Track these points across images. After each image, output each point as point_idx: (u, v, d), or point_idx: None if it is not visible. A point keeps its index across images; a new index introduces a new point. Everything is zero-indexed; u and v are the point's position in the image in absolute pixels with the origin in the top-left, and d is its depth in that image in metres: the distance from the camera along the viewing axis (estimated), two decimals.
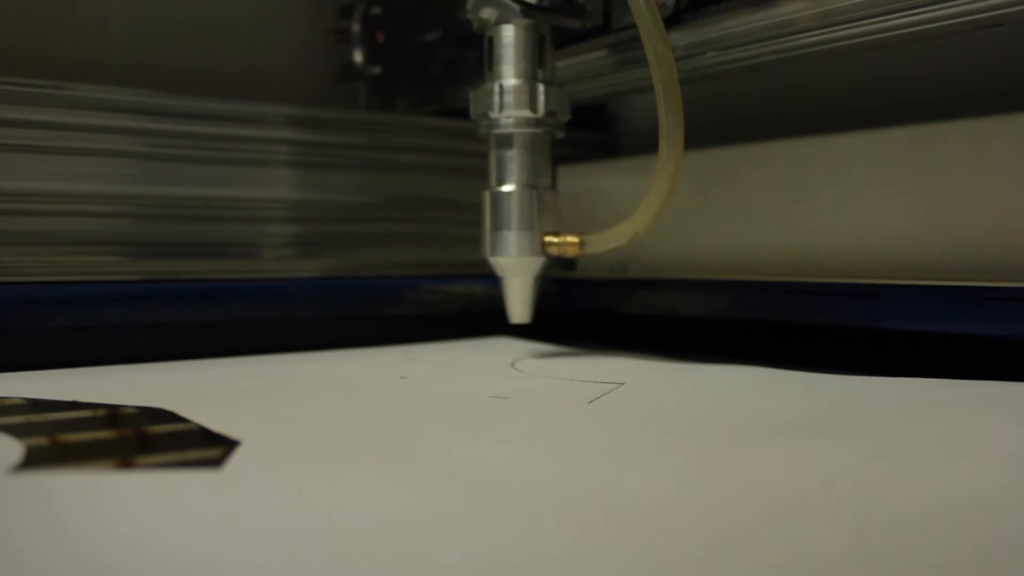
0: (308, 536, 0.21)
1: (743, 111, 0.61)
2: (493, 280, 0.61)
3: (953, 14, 0.41)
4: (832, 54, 0.46)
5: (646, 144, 0.65)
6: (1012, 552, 0.20)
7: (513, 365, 0.48)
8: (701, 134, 0.61)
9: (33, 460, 0.28)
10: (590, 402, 0.37)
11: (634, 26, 0.45)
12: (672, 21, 0.48)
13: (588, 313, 0.61)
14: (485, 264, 0.59)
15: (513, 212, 0.49)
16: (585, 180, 0.64)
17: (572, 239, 0.49)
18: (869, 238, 0.49)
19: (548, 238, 0.49)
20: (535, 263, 0.49)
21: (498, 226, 0.49)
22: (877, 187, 0.49)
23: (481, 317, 0.61)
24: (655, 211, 0.46)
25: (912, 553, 0.20)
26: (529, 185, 0.49)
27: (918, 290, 0.44)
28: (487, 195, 0.50)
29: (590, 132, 0.69)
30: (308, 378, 0.45)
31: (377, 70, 0.62)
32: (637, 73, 0.51)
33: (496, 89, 0.48)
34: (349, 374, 0.46)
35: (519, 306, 0.50)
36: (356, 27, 0.62)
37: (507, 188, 0.49)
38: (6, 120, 0.48)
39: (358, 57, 0.62)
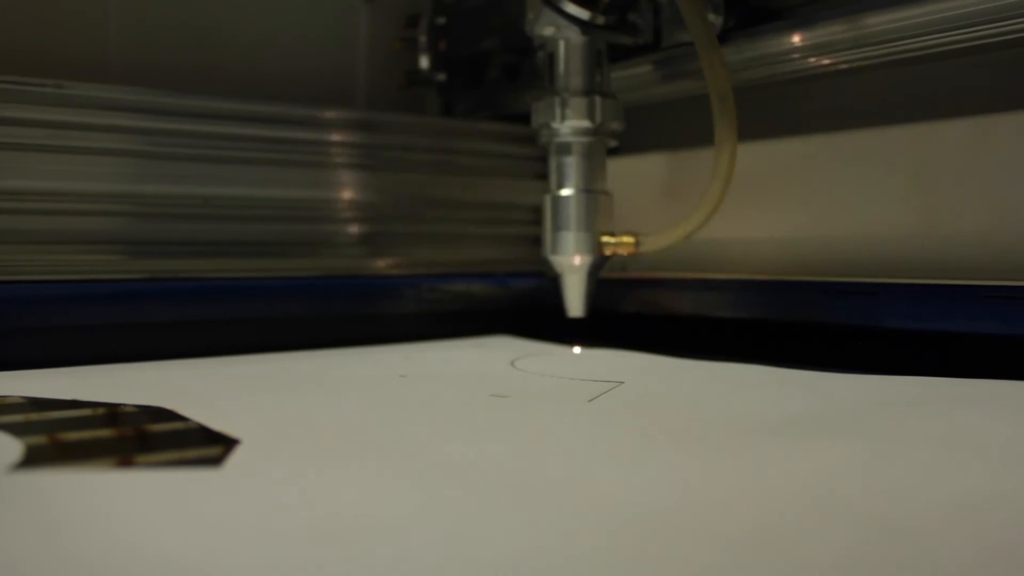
0: (308, 535, 0.21)
1: (743, 111, 0.61)
2: (493, 279, 0.61)
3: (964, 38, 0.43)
4: (864, 70, 0.49)
5: (647, 143, 0.65)
6: (1012, 552, 0.20)
7: (513, 364, 0.48)
8: (701, 134, 0.61)
9: (33, 459, 0.28)
10: (589, 401, 0.37)
11: (681, 44, 0.51)
12: (720, 39, 0.51)
13: (588, 312, 0.61)
14: (485, 264, 0.59)
15: (572, 214, 0.53)
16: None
17: (627, 239, 0.53)
18: (869, 237, 0.49)
19: (605, 238, 0.53)
20: (592, 261, 0.54)
21: (558, 227, 0.54)
22: (877, 186, 0.49)
23: (481, 316, 0.61)
24: (708, 214, 0.49)
25: (912, 553, 0.20)
26: (586, 189, 0.53)
27: (918, 289, 0.44)
28: (548, 198, 0.54)
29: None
30: (308, 377, 0.45)
31: (442, 76, 0.66)
32: (684, 85, 0.54)
33: (557, 101, 0.53)
34: (349, 373, 0.46)
35: (576, 301, 0.54)
36: (423, 37, 0.66)
37: (566, 192, 0.54)
38: (6, 119, 0.48)
39: (424, 64, 0.66)
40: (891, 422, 0.33)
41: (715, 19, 0.52)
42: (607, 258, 0.54)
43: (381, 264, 0.61)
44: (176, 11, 0.61)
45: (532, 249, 0.65)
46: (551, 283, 0.63)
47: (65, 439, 0.30)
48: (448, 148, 0.63)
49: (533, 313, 0.62)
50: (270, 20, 0.65)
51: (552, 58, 0.54)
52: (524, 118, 0.57)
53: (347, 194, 0.60)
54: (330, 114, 0.59)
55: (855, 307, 0.46)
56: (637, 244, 0.53)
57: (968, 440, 0.30)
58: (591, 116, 0.52)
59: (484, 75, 0.60)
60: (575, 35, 0.53)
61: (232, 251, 0.55)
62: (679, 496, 0.24)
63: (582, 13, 0.52)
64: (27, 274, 0.48)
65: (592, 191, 0.53)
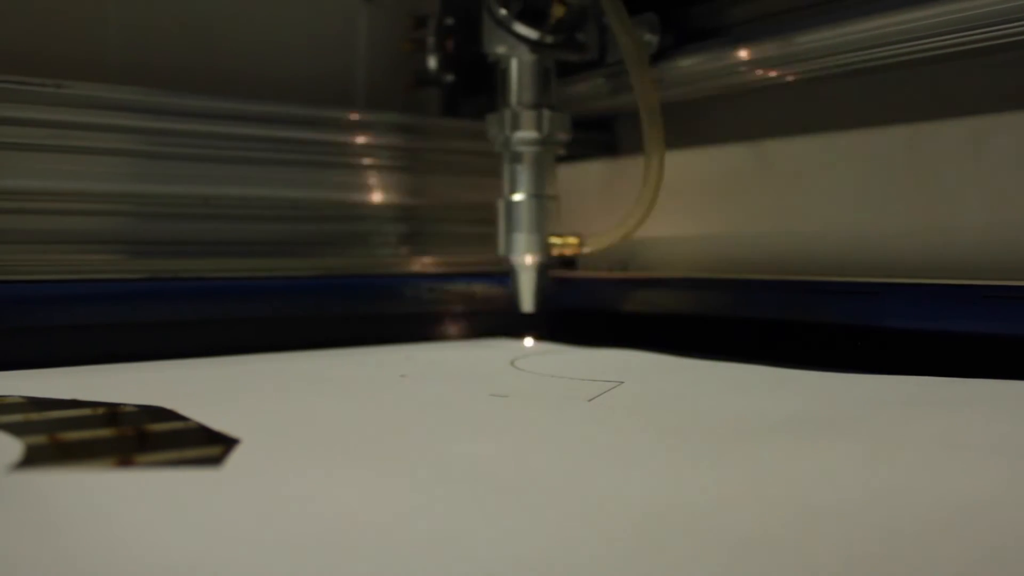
0: (308, 536, 0.21)
1: (742, 110, 0.61)
2: (493, 279, 0.62)
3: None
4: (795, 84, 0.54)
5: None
6: (1012, 552, 0.20)
7: (513, 363, 0.48)
8: (701, 133, 0.61)
9: (33, 458, 0.28)
10: (589, 400, 0.37)
11: (622, 61, 0.54)
12: (657, 56, 0.57)
13: (588, 312, 0.61)
14: (484, 263, 0.60)
15: (523, 217, 0.58)
16: (585, 178, 0.64)
17: (572, 240, 0.59)
18: (869, 236, 0.49)
19: (552, 239, 0.59)
20: (542, 260, 0.58)
21: (511, 229, 0.58)
22: (877, 186, 0.49)
23: (481, 316, 0.61)
24: (642, 217, 0.55)
25: (912, 553, 0.20)
26: (536, 195, 0.58)
27: (918, 288, 0.44)
28: (501, 203, 0.59)
29: (590, 132, 0.69)
30: (308, 377, 0.45)
31: (450, 77, 0.68)
32: (628, 98, 0.57)
33: (508, 115, 0.58)
34: (349, 373, 0.46)
35: (528, 297, 0.59)
36: (431, 37, 0.67)
37: (518, 197, 0.58)
38: (6, 119, 0.48)
39: (432, 64, 0.67)
40: (891, 422, 0.33)
41: (651, 38, 0.57)
42: (556, 257, 0.59)
43: (381, 264, 0.61)
44: (176, 12, 0.61)
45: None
46: (551, 283, 0.63)
47: (65, 439, 0.30)
48: (448, 148, 0.63)
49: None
50: (270, 21, 0.65)
51: (505, 74, 0.58)
52: None
53: (347, 194, 0.60)
54: (330, 114, 0.59)
55: (855, 307, 0.46)
56: (581, 244, 0.58)
57: (968, 440, 0.30)
58: (539, 127, 0.57)
59: (491, 77, 0.61)
60: (525, 53, 0.57)
61: (232, 251, 0.55)
62: (679, 496, 0.24)
63: (531, 33, 0.57)
64: (27, 274, 0.48)
65: (541, 196, 0.58)
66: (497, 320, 0.61)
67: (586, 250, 0.58)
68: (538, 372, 0.45)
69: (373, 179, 0.61)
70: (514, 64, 0.58)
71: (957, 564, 0.19)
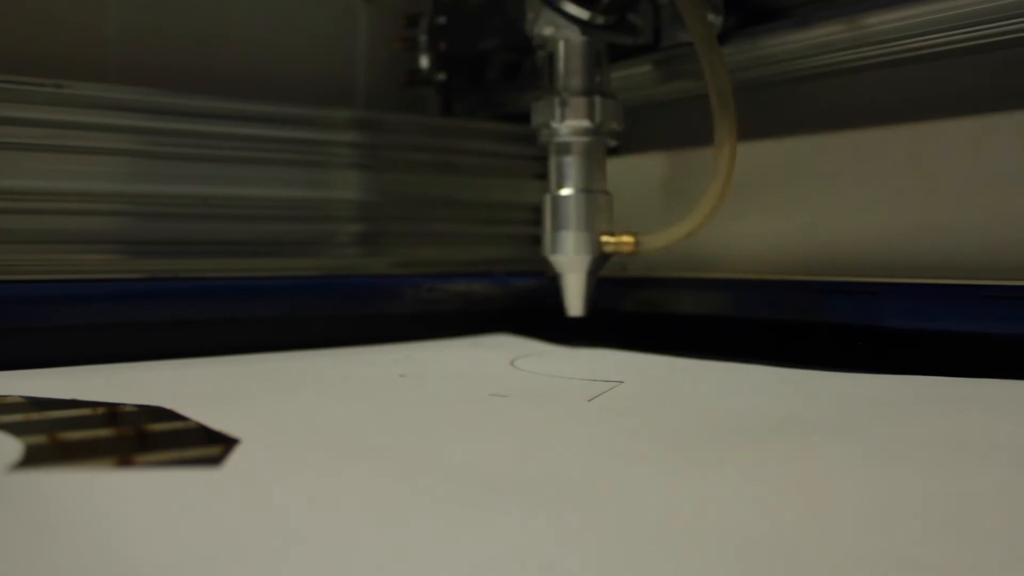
0: (307, 535, 0.21)
1: (742, 110, 0.61)
2: (493, 279, 0.61)
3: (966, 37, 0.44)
4: (862, 69, 0.50)
5: (647, 143, 0.65)
6: (1012, 552, 0.20)
7: (512, 363, 0.48)
8: (701, 133, 0.61)
9: (33, 458, 0.28)
10: (589, 400, 0.37)
11: (680, 44, 0.51)
12: (720, 38, 0.52)
13: (587, 311, 0.61)
14: (485, 263, 0.59)
15: (571, 214, 0.53)
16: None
17: (627, 238, 0.53)
18: (868, 236, 0.49)
19: (604, 238, 0.54)
20: (591, 260, 0.54)
21: (558, 226, 0.54)
22: (877, 185, 0.49)
23: (481, 315, 0.61)
24: (708, 213, 0.50)
25: (912, 553, 0.20)
26: (586, 189, 0.53)
27: (917, 288, 0.44)
28: (547, 198, 0.54)
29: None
30: (308, 376, 0.45)
31: (442, 76, 0.66)
32: (683, 85, 0.54)
33: (556, 101, 0.53)
34: (349, 372, 0.46)
35: (576, 300, 0.54)
36: (423, 37, 0.66)
37: (566, 192, 0.54)
38: (5, 118, 0.48)
39: (424, 63, 0.66)
40: (891, 422, 0.33)
41: (715, 19, 0.52)
42: (607, 257, 0.54)
43: (381, 264, 0.61)
44: (175, 11, 0.61)
45: (532, 248, 0.65)
46: (551, 283, 0.63)
47: (65, 439, 0.30)
48: (448, 148, 0.63)
49: (533, 312, 0.62)
50: (270, 20, 0.65)
51: (552, 58, 0.54)
52: (524, 118, 0.57)
53: (347, 193, 0.60)
54: (330, 113, 0.59)
55: (855, 307, 0.46)
56: (637, 243, 0.53)
57: (968, 440, 0.30)
58: (591, 116, 0.53)
59: (484, 75, 0.60)
60: (575, 35, 0.53)
61: (232, 251, 0.55)
62: (679, 496, 0.24)
63: (582, 13, 0.52)
64: (27, 273, 0.48)
65: (592, 191, 0.53)
66: (496, 320, 0.61)
67: (643, 249, 0.53)
68: (538, 372, 0.45)
69: (372, 178, 0.61)
70: (562, 47, 0.53)
71: (958, 564, 0.19)
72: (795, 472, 0.26)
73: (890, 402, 0.36)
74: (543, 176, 0.67)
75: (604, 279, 0.60)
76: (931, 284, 0.44)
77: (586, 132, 0.53)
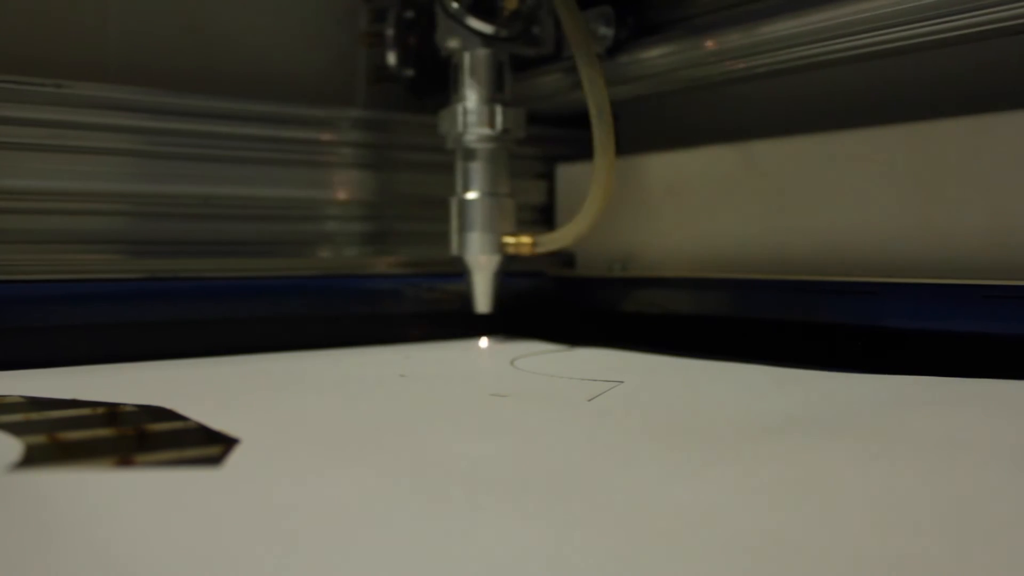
0: (307, 535, 0.21)
1: (742, 110, 0.61)
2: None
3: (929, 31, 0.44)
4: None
5: (643, 143, 0.66)
6: (1012, 551, 0.20)
7: (512, 363, 0.48)
8: (702, 132, 0.61)
9: (33, 458, 0.28)
10: (589, 400, 0.37)
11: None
12: (614, 49, 0.56)
13: (587, 311, 0.61)
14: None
15: (477, 216, 0.56)
16: (585, 178, 0.64)
17: (526, 239, 0.57)
18: (869, 236, 0.49)
19: (506, 239, 0.56)
20: (495, 260, 0.57)
21: (464, 228, 0.56)
22: (877, 185, 0.49)
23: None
24: (594, 216, 0.54)
25: (912, 552, 0.20)
26: (490, 193, 0.56)
27: (918, 288, 0.44)
28: (454, 201, 0.57)
29: (588, 131, 0.69)
30: (307, 376, 0.45)
31: (410, 72, 0.65)
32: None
33: (460, 110, 0.55)
34: (348, 373, 0.46)
35: (483, 297, 0.57)
36: (390, 31, 0.65)
37: (471, 195, 0.56)
38: (5, 118, 0.48)
39: (391, 60, 0.65)
40: (891, 422, 0.33)
41: (606, 31, 0.56)
42: (510, 257, 0.57)
43: (381, 264, 0.61)
44: (175, 12, 0.61)
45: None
46: (551, 282, 0.63)
47: (65, 438, 0.30)
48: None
49: (533, 312, 0.62)
50: (270, 21, 0.65)
51: (457, 68, 0.56)
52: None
53: (347, 193, 0.60)
54: (330, 113, 0.59)
55: (855, 307, 0.46)
56: (534, 244, 0.56)
57: (968, 440, 0.30)
58: (492, 123, 0.55)
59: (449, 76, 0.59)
60: (478, 47, 0.56)
61: (232, 251, 0.55)
62: (679, 495, 0.24)
63: (484, 27, 0.55)
64: (27, 273, 0.48)
65: (496, 194, 0.56)
66: (496, 320, 0.61)
67: (540, 250, 0.56)
68: (538, 372, 0.45)
69: (372, 178, 0.61)
70: (467, 58, 0.56)
71: (958, 564, 0.19)
72: (795, 472, 0.26)
73: (890, 402, 0.36)
74: (543, 176, 0.67)
75: (605, 279, 0.60)
76: (931, 284, 0.44)
77: (489, 139, 0.56)
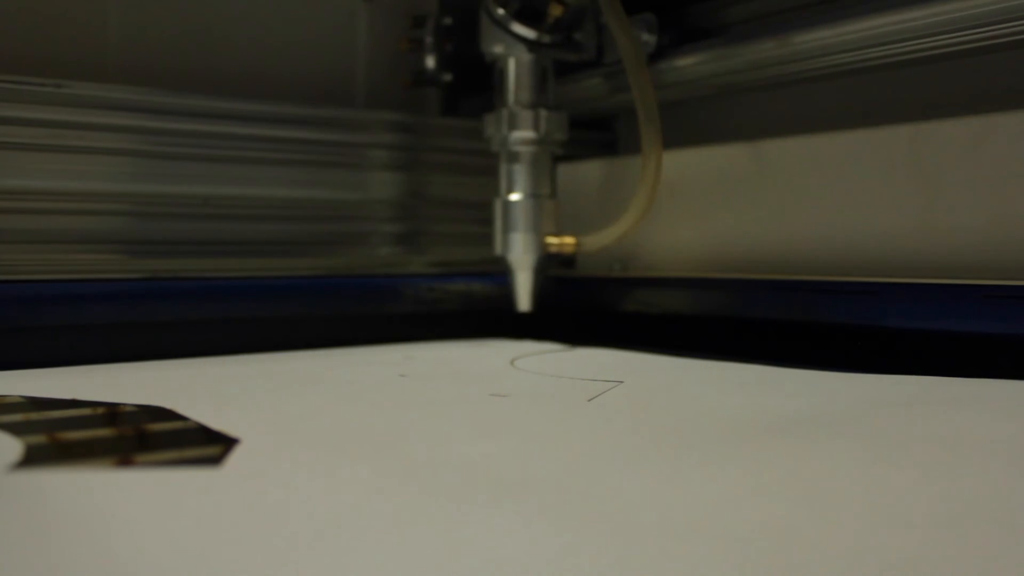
0: (307, 535, 0.21)
1: (742, 110, 0.61)
2: (493, 279, 0.62)
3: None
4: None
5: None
6: (1012, 551, 0.20)
7: (513, 363, 0.48)
8: (702, 132, 0.61)
9: (33, 458, 0.28)
10: (589, 400, 0.37)
11: (620, 60, 0.54)
12: (655, 56, 0.58)
13: (588, 311, 0.61)
14: (485, 263, 0.59)
15: (520, 217, 0.58)
16: (586, 178, 0.64)
17: (569, 240, 0.59)
18: (869, 236, 0.49)
19: (549, 239, 0.58)
20: (538, 260, 0.58)
21: (507, 229, 0.58)
22: (877, 185, 0.49)
23: (481, 315, 0.61)
24: (639, 216, 0.55)
25: (912, 551, 0.20)
26: (533, 194, 0.58)
27: (918, 288, 0.44)
28: (498, 202, 0.59)
29: (591, 131, 0.69)
30: (308, 376, 0.45)
31: (448, 77, 0.67)
32: (627, 96, 0.56)
33: (505, 115, 0.58)
34: (349, 372, 0.46)
35: (525, 296, 0.59)
36: (429, 38, 0.67)
37: (515, 197, 0.58)
38: (6, 118, 0.48)
39: (430, 64, 0.67)
40: (891, 422, 0.33)
41: (649, 38, 0.57)
42: (553, 257, 0.59)
43: (381, 264, 0.61)
44: (175, 12, 0.61)
45: None
46: (551, 282, 0.63)
47: (65, 438, 0.30)
48: (448, 148, 0.63)
49: (533, 312, 0.62)
50: (270, 21, 0.65)
51: (503, 73, 0.58)
52: None
53: (347, 193, 0.60)
54: (330, 113, 0.59)
55: (855, 307, 0.46)
56: (578, 244, 0.58)
57: (968, 439, 0.30)
58: (536, 127, 0.58)
59: (490, 77, 0.61)
60: (523, 53, 0.58)
61: (232, 251, 0.55)
62: (679, 495, 0.24)
63: (529, 33, 0.57)
64: (26, 273, 0.48)
65: (539, 196, 0.58)
66: (495, 320, 0.61)
67: (584, 250, 0.58)
68: (538, 372, 0.45)
69: (372, 178, 0.61)
70: (511, 64, 0.58)
71: (958, 563, 0.19)
72: (796, 471, 0.26)
73: (890, 402, 0.36)
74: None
75: (605, 279, 0.60)
76: (932, 284, 0.44)
77: (532, 142, 0.58)
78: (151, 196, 0.53)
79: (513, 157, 0.58)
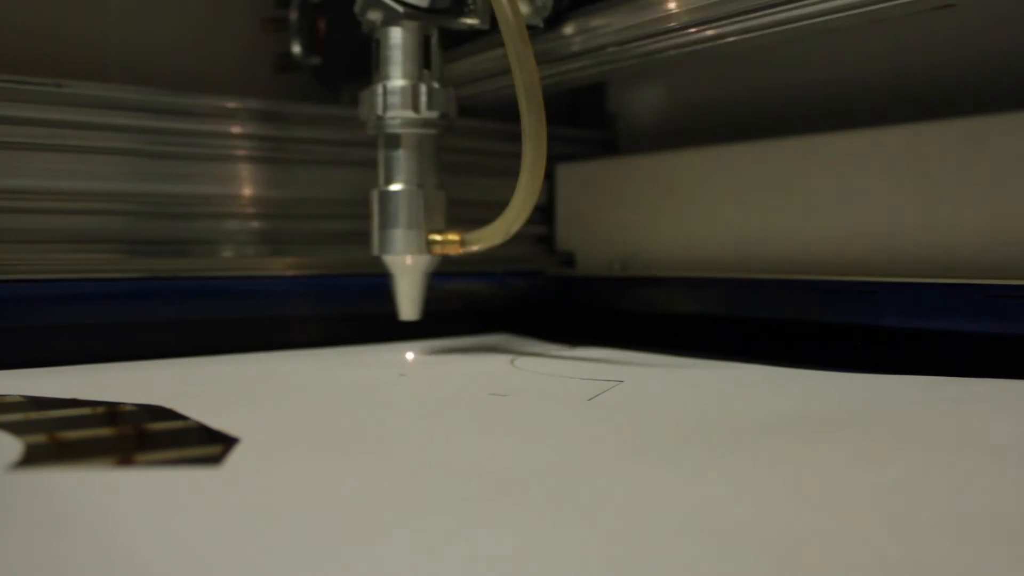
0: (307, 534, 0.21)
1: (743, 110, 0.61)
2: (493, 278, 0.61)
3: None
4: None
5: (645, 142, 0.66)
6: (1012, 551, 0.20)
7: (512, 363, 0.48)
8: (703, 132, 0.61)
9: (32, 458, 0.28)
10: (589, 400, 0.37)
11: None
12: (553, 21, 0.49)
13: (587, 311, 0.61)
14: (485, 263, 0.58)
15: (401, 211, 0.49)
16: (585, 177, 0.64)
17: (453, 237, 0.49)
18: (869, 236, 0.49)
19: (432, 236, 0.49)
20: (422, 261, 0.50)
21: (385, 224, 0.49)
22: (877, 185, 0.49)
23: (481, 315, 0.61)
24: (525, 209, 0.47)
25: (913, 552, 0.20)
26: (417, 184, 0.49)
27: (918, 287, 0.44)
28: (375, 194, 0.50)
29: (590, 130, 0.69)
30: (308, 376, 0.45)
31: (316, 60, 0.58)
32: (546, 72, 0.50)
33: (380, 90, 0.49)
34: (349, 372, 0.46)
35: (408, 303, 0.50)
36: (294, 15, 0.58)
37: (395, 187, 0.49)
38: (6, 118, 0.48)
39: (296, 47, 0.58)
40: (891, 422, 0.33)
41: (545, 2, 0.49)
42: (439, 258, 0.50)
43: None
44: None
45: (534, 247, 0.65)
46: (551, 282, 0.63)
47: (65, 438, 0.30)
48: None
49: (533, 312, 0.62)
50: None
51: (378, 44, 0.49)
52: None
53: (346, 192, 0.59)
54: (330, 113, 0.59)
55: (854, 306, 0.46)
56: (462, 243, 0.49)
57: (968, 439, 0.30)
58: (416, 106, 0.49)
59: (369, 59, 0.51)
60: (403, 20, 0.49)
61: (232, 250, 0.55)
62: (680, 495, 0.24)
63: None
64: (26, 273, 0.48)
65: (423, 186, 0.49)
66: (496, 319, 0.61)
67: (472, 248, 0.49)
68: (538, 372, 0.45)
69: (370, 177, 0.61)
70: (388, 33, 0.49)
71: (959, 563, 0.19)
72: (795, 471, 0.26)
73: (890, 402, 0.36)
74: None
75: (604, 278, 0.60)
76: (932, 283, 0.44)
77: (415, 123, 0.49)
78: (151, 195, 0.53)
79: (392, 141, 0.49)
